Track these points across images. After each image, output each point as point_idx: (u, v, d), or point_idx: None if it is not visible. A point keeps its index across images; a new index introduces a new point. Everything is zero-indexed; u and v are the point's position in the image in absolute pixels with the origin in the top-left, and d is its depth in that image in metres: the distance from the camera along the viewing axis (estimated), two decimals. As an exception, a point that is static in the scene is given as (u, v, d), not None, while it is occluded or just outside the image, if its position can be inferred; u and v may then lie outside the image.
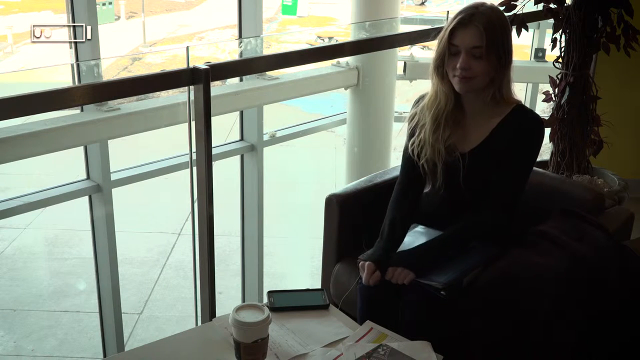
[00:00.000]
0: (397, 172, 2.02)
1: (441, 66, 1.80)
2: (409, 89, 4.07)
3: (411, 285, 1.73)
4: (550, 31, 2.99)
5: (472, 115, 1.85)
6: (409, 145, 1.91)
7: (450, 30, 1.76)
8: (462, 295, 1.74)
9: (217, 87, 3.37)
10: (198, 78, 1.96)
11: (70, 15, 2.85)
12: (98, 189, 3.04)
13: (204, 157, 2.02)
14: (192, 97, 2.04)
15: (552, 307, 1.69)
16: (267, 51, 4.23)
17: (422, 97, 1.92)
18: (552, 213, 1.95)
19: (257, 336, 1.43)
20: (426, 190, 1.94)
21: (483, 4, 1.77)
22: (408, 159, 1.92)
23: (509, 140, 1.80)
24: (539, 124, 1.84)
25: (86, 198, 3.11)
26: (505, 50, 1.76)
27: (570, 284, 1.71)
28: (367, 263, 1.79)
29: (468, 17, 1.74)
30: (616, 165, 3.25)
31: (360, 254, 1.88)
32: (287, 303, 1.70)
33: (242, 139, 3.59)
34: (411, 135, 1.91)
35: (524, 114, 1.83)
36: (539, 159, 3.38)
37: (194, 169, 2.09)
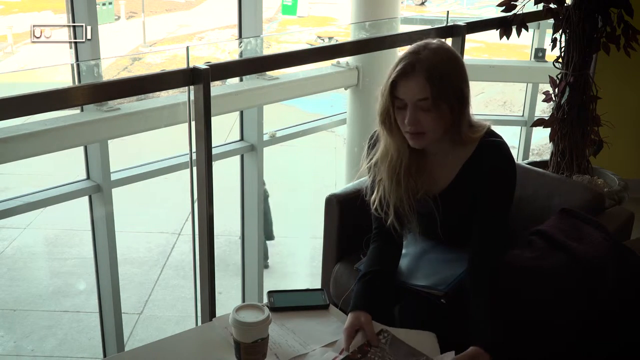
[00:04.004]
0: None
1: (387, 120, 1.59)
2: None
3: (411, 292, 1.70)
4: (550, 31, 2.99)
5: (434, 156, 1.67)
6: (371, 203, 1.71)
7: (391, 83, 1.54)
8: (462, 299, 1.73)
9: (217, 87, 3.38)
10: (198, 78, 1.96)
11: (70, 15, 2.86)
12: (98, 189, 3.05)
13: (204, 157, 2.02)
14: (192, 97, 2.04)
15: (551, 308, 1.69)
16: (267, 51, 4.24)
17: (376, 140, 1.69)
18: (552, 213, 1.95)
19: (257, 336, 1.43)
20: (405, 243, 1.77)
21: (426, 47, 1.55)
22: (378, 216, 1.72)
23: (479, 184, 1.62)
24: (507, 161, 1.63)
25: (86, 198, 3.12)
26: (457, 95, 1.54)
27: (569, 284, 1.71)
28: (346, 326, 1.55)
29: (409, 67, 1.52)
30: (616, 165, 3.25)
31: (360, 254, 1.87)
32: (287, 303, 1.70)
33: (242, 139, 3.60)
34: (373, 188, 1.72)
35: (490, 152, 1.62)
36: (538, 159, 3.42)
37: (194, 169, 2.09)
